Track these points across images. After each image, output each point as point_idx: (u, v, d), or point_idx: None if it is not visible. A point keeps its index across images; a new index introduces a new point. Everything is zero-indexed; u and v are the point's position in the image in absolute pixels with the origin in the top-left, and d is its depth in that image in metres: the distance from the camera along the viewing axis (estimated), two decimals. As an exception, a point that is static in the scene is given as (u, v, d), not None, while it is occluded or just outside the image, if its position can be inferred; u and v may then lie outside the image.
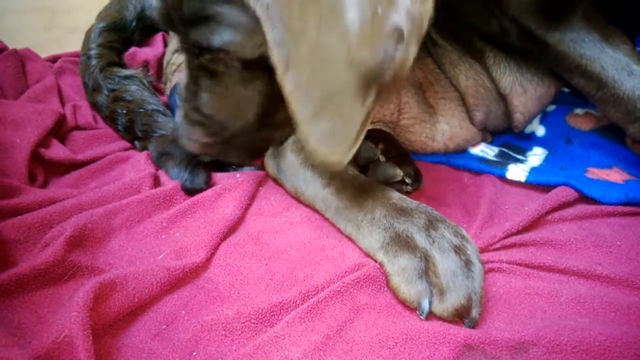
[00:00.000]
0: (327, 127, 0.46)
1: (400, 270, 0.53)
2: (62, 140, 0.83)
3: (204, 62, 0.57)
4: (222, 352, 0.48)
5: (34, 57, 1.02)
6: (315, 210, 0.66)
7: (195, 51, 0.56)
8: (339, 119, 0.47)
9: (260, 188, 0.72)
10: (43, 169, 0.75)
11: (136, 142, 0.82)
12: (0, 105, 0.81)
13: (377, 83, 0.46)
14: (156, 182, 0.72)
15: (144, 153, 0.78)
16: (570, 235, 0.61)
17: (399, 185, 0.68)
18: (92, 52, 0.94)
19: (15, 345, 0.45)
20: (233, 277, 0.57)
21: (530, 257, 0.58)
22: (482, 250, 0.60)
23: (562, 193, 0.67)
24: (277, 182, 0.72)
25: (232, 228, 0.64)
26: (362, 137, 0.48)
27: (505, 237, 0.61)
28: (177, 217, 0.65)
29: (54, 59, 1.08)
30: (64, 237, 0.57)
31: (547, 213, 0.65)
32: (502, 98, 0.78)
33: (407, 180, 0.68)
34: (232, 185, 0.69)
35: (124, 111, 0.84)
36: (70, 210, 0.63)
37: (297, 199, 0.69)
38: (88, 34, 0.99)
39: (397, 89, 0.44)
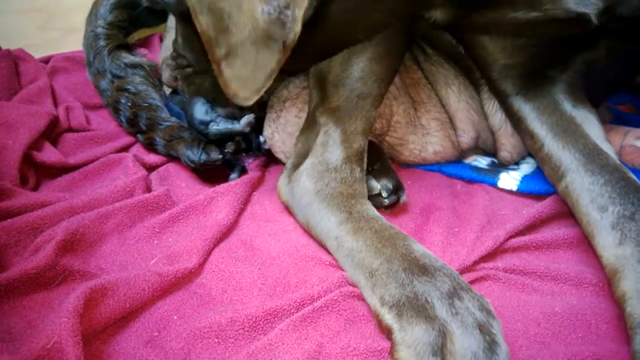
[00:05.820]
0: (238, 69, 0.52)
1: (412, 341, 0.46)
2: (55, 142, 0.82)
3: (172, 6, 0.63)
4: (215, 359, 0.48)
5: (27, 57, 1.01)
6: (325, 249, 0.61)
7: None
8: (249, 64, 0.52)
9: (254, 193, 0.72)
10: (35, 172, 0.74)
11: (139, 136, 0.81)
12: (-7, 106, 0.80)
13: (277, 42, 0.50)
14: (147, 187, 0.72)
15: (131, 157, 0.77)
16: (560, 236, 0.62)
17: (377, 198, 0.67)
18: (100, 31, 0.92)
19: (5, 351, 0.44)
20: (226, 282, 0.56)
21: (524, 263, 0.58)
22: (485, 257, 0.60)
23: (557, 203, 0.67)
24: (288, 209, 0.68)
25: (225, 233, 0.63)
26: (269, 82, 0.52)
27: (506, 240, 0.61)
28: (169, 222, 0.64)
29: (47, 60, 1.07)
30: (55, 241, 0.56)
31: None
32: (492, 133, 0.77)
33: (384, 194, 0.67)
34: (225, 190, 0.69)
35: (129, 104, 0.82)
36: (61, 213, 0.62)
37: (307, 231, 0.64)
38: (96, 7, 0.96)
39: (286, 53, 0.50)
